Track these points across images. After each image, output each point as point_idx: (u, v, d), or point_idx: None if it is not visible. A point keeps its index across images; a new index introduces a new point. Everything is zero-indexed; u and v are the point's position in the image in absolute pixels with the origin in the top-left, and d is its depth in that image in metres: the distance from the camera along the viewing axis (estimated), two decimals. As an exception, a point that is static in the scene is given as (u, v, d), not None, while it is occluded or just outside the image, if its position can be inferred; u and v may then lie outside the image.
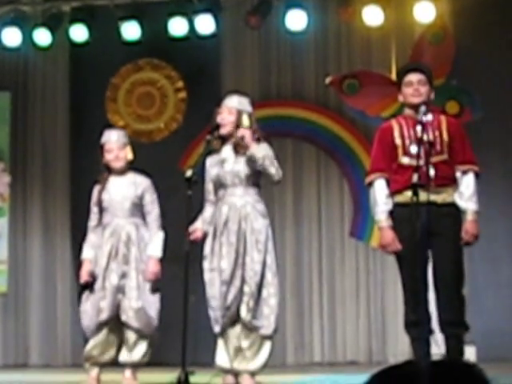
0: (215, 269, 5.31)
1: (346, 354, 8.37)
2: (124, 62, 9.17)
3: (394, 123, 4.97)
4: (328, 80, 8.22)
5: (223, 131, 5.41)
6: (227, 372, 5.36)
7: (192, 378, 4.87)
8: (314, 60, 8.69)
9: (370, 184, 4.96)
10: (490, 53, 8.10)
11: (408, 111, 4.96)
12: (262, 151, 5.27)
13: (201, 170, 5.40)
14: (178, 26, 8.27)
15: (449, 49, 7.99)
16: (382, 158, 4.94)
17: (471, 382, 2.21)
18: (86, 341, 5.87)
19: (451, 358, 4.68)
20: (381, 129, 5.05)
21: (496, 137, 8.13)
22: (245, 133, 5.28)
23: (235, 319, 5.29)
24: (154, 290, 5.80)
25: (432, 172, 4.75)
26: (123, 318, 5.71)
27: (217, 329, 5.32)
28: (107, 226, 5.85)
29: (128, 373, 5.82)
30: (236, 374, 5.34)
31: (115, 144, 5.91)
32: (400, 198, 4.83)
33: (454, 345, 4.77)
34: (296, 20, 8.10)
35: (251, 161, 5.28)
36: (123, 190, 5.87)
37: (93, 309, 5.75)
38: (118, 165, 5.91)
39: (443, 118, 4.99)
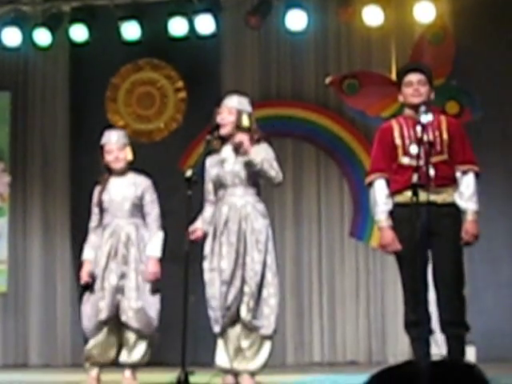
0: (215, 269, 5.31)
1: (346, 354, 8.37)
2: (124, 61, 9.17)
3: (394, 123, 4.97)
4: (328, 80, 8.23)
5: (223, 131, 5.41)
6: (227, 372, 5.36)
7: (192, 378, 4.87)
8: (313, 60, 8.69)
9: (370, 184, 4.96)
10: (490, 53, 8.10)
11: (408, 111, 4.95)
12: (261, 154, 5.25)
13: (201, 170, 5.40)
14: (177, 26, 8.27)
15: (449, 49, 7.99)
16: (382, 158, 4.94)
17: (471, 382, 2.22)
18: (86, 341, 5.87)
19: (451, 358, 4.68)
20: (381, 129, 5.05)
21: (496, 137, 8.13)
22: (242, 138, 5.27)
23: (235, 319, 5.28)
24: (154, 290, 5.80)
25: (432, 172, 4.75)
26: (123, 318, 5.71)
27: (216, 329, 5.32)
28: (107, 227, 5.85)
29: (128, 373, 5.82)
30: (236, 374, 5.34)
31: (115, 145, 5.91)
32: (400, 198, 4.83)
33: (455, 345, 4.76)
34: (296, 20, 8.10)
35: (250, 166, 5.28)
36: (123, 191, 5.87)
37: (92, 309, 5.75)
38: (117, 166, 5.91)
39: (443, 118, 4.99)
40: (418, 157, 4.56)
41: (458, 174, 4.88)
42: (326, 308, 8.45)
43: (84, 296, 5.86)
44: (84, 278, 5.85)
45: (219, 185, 5.41)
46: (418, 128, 4.68)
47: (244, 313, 5.25)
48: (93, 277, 5.80)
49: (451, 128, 4.91)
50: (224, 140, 5.45)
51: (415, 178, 4.40)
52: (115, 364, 5.84)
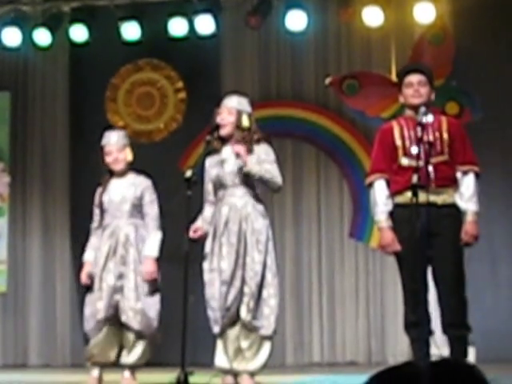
0: (215, 269, 5.31)
1: (346, 355, 8.37)
2: (124, 62, 9.17)
3: (394, 124, 4.97)
4: (328, 80, 8.22)
5: (223, 132, 5.41)
6: (226, 372, 5.36)
7: (191, 379, 4.88)
8: (313, 60, 8.69)
9: (371, 185, 4.96)
10: (490, 53, 8.10)
11: (409, 112, 4.96)
12: (259, 165, 5.25)
13: (200, 170, 5.40)
14: (177, 27, 8.27)
15: (449, 49, 7.99)
16: (382, 158, 4.94)
17: (471, 383, 2.22)
18: (86, 341, 5.88)
19: (451, 358, 4.68)
20: (381, 130, 5.05)
21: (496, 137, 8.12)
22: (239, 149, 5.27)
23: (235, 320, 5.28)
24: (151, 291, 5.78)
25: (432, 173, 4.75)
26: (123, 318, 5.71)
27: (216, 329, 5.32)
28: (107, 228, 5.85)
29: (127, 373, 5.82)
30: (235, 375, 5.34)
31: (114, 146, 5.91)
32: (400, 199, 4.83)
33: (458, 346, 4.77)
34: (296, 20, 8.09)
35: (248, 176, 5.29)
36: (123, 192, 5.87)
37: (91, 310, 5.76)
38: (117, 167, 5.92)
39: (444, 119, 4.99)
40: (417, 157, 4.57)
41: (459, 175, 4.88)
42: (326, 308, 8.45)
43: (86, 298, 5.87)
44: (83, 279, 5.86)
45: (219, 185, 5.41)
46: (418, 129, 4.68)
47: (244, 313, 5.25)
48: (92, 278, 5.81)
49: (452, 128, 4.91)
50: (224, 140, 5.45)
51: (415, 178, 4.40)
52: (117, 365, 5.84)
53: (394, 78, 7.64)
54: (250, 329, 5.26)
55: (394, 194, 4.87)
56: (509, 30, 8.18)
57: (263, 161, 5.32)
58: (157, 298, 5.82)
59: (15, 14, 8.54)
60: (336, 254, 8.53)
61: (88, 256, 5.90)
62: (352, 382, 5.95)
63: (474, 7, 7.84)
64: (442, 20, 8.01)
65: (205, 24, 8.20)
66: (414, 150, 4.74)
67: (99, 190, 5.96)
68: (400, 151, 4.87)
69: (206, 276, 5.36)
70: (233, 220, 5.31)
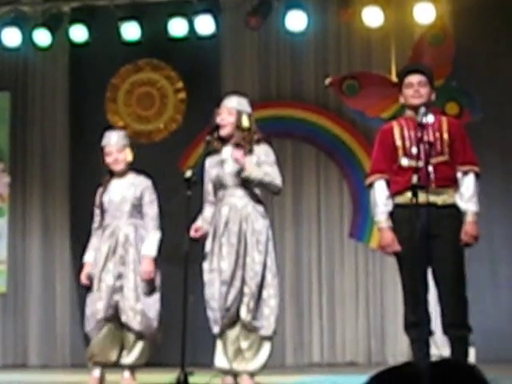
0: (215, 270, 5.31)
1: (345, 355, 8.37)
2: (124, 62, 9.17)
3: (394, 125, 4.97)
4: (328, 81, 8.22)
5: (223, 132, 5.41)
6: (226, 373, 5.35)
7: (191, 379, 4.88)
8: (313, 61, 8.68)
9: (371, 185, 4.96)
10: (490, 53, 8.10)
11: (409, 112, 4.96)
12: (259, 169, 5.26)
13: (200, 170, 5.40)
14: (177, 27, 8.27)
15: (449, 50, 7.99)
16: (382, 159, 4.94)
17: (471, 383, 2.21)
18: (88, 342, 5.88)
19: (451, 359, 4.67)
20: (381, 130, 5.05)
21: (496, 137, 8.12)
22: (237, 156, 5.27)
23: (234, 320, 5.28)
24: (150, 290, 5.77)
25: (432, 173, 4.75)
26: (123, 318, 5.71)
27: (216, 330, 5.32)
28: (107, 228, 5.86)
29: (126, 373, 5.83)
30: (235, 375, 5.34)
31: (114, 147, 5.91)
32: (400, 199, 4.83)
33: (459, 347, 4.77)
34: (296, 21, 8.09)
35: (248, 182, 5.29)
36: (123, 192, 5.87)
37: (91, 310, 5.76)
38: (117, 168, 5.92)
39: (444, 119, 4.99)
40: (417, 158, 4.57)
41: (459, 175, 4.88)
42: (326, 309, 8.45)
43: (87, 299, 5.88)
44: (83, 280, 5.88)
45: (219, 185, 5.41)
46: (418, 129, 4.67)
47: (244, 313, 5.25)
48: (91, 279, 5.81)
49: (452, 129, 4.91)
50: (224, 141, 5.45)
51: (415, 179, 4.40)
52: (118, 365, 5.84)
53: (394, 78, 7.65)
54: (249, 329, 5.26)
55: (394, 194, 4.87)
56: (509, 30, 8.18)
57: (263, 162, 5.32)
58: (156, 298, 5.82)
59: (15, 14, 8.54)
60: (336, 255, 8.53)
61: (88, 257, 5.91)
62: (352, 383, 5.95)
63: (473, 7, 7.84)
64: (442, 20, 8.01)
65: (205, 24, 8.20)
66: (414, 150, 4.75)
67: (99, 190, 5.96)
68: (400, 151, 4.87)
69: (206, 276, 5.36)
70: (233, 220, 5.31)
